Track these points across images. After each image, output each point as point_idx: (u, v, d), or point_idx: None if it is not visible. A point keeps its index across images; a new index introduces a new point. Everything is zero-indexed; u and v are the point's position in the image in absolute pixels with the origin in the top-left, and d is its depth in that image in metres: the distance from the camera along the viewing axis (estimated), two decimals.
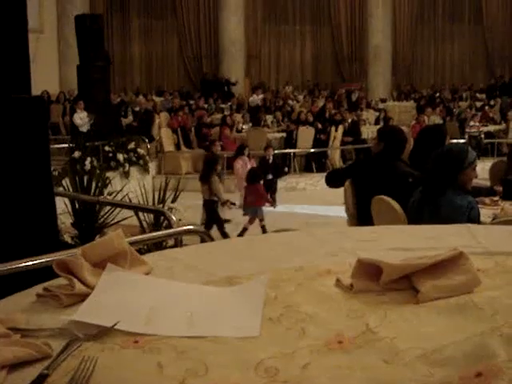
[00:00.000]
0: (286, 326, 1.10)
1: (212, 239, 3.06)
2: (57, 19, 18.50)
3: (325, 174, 12.28)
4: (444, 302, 1.17)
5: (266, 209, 9.39)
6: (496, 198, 4.61)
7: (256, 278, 1.32)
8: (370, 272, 1.29)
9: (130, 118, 15.60)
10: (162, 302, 1.20)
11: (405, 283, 1.28)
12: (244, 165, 10.93)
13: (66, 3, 18.37)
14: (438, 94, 21.57)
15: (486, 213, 4.09)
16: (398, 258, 1.37)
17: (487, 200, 4.51)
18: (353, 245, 1.67)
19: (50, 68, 17.51)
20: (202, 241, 2.97)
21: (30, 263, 2.44)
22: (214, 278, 1.39)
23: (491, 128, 16.82)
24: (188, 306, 1.18)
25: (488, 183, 5.80)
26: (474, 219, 3.56)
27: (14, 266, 2.40)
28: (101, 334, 1.08)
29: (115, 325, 1.09)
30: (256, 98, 18.77)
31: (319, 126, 14.08)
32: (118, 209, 5.24)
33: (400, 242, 1.70)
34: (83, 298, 1.25)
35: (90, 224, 5.25)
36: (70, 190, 5.82)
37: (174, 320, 1.13)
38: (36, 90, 4.75)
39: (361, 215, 4.46)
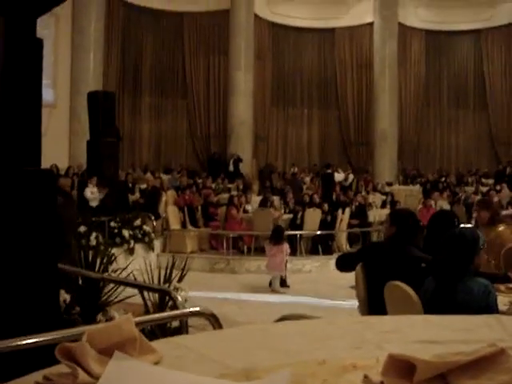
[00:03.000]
0: None
1: (218, 322, 2.94)
2: (70, 95, 18.86)
3: (331, 256, 12.25)
4: None
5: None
6: (511, 285, 4.48)
7: (276, 372, 1.20)
8: (401, 369, 1.17)
9: (137, 194, 15.64)
10: None
11: (440, 382, 1.16)
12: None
13: (79, 80, 18.76)
14: (443, 179, 21.67)
15: (501, 300, 3.96)
16: (427, 352, 1.26)
17: (502, 287, 4.38)
18: (376, 336, 1.56)
19: (60, 142, 17.72)
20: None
21: (30, 341, 2.34)
22: (229, 370, 1.27)
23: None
24: None
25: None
26: (493, 303, 3.44)
27: (13, 344, 2.29)
28: None
29: None
30: None
31: (327, 216, 14.04)
32: (121, 287, 5.12)
33: (426, 333, 1.59)
34: None
35: (92, 301, 5.12)
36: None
37: None
38: (46, 163, 4.74)
39: (372, 301, 4.32)
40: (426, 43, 24.92)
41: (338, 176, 19.58)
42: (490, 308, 3.35)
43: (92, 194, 13.01)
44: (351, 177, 20.69)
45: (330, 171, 19.08)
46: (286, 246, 10.42)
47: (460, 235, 3.65)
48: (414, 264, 4.20)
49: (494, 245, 5.41)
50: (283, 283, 10.44)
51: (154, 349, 1.34)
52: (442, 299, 3.42)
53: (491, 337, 1.49)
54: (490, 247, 4.76)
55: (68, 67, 19.00)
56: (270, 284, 10.32)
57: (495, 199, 17.75)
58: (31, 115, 3.71)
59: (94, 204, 12.91)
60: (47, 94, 16.24)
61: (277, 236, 10.31)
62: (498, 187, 19.68)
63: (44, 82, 4.03)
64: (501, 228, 5.68)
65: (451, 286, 3.45)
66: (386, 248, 4.49)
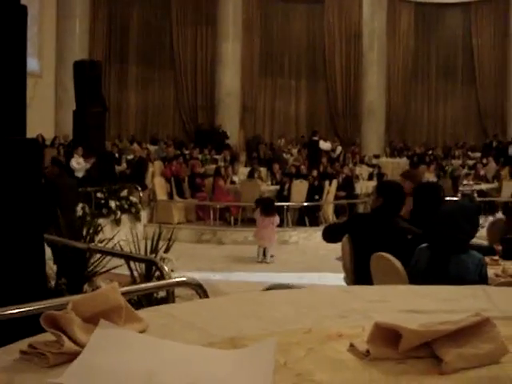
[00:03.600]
0: None
1: (205, 292, 2.94)
2: (55, 64, 18.63)
3: (318, 227, 12.27)
4: (472, 374, 1.06)
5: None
6: (496, 258, 4.51)
7: (263, 340, 1.20)
8: (387, 337, 1.18)
9: (124, 165, 15.55)
10: (160, 367, 1.08)
11: (425, 351, 1.17)
12: None
13: (65, 49, 18.52)
14: (430, 152, 21.71)
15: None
16: (413, 321, 1.27)
17: (487, 259, 4.41)
18: (363, 305, 1.56)
19: (46, 112, 17.53)
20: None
21: (16, 311, 2.33)
22: (215, 338, 1.27)
23: (483, 186, 16.87)
24: (190, 371, 1.06)
25: (485, 242, 5.71)
26: (486, 276, 3.46)
27: None
28: None
29: None
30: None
31: (315, 182, 14.03)
32: (108, 257, 5.11)
33: (412, 303, 1.60)
34: (72, 357, 1.13)
35: (79, 271, 5.10)
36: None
37: None
38: (31, 133, 4.69)
39: (359, 272, 4.34)
40: (415, 16, 24.76)
41: (324, 144, 19.47)
42: (482, 281, 3.36)
43: (78, 164, 12.92)
44: (339, 148, 20.66)
45: (316, 138, 19.02)
46: (276, 218, 10.46)
47: (464, 208, 3.60)
48: (401, 235, 4.21)
49: None
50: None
51: (140, 317, 1.34)
52: (436, 271, 3.41)
53: (476, 307, 1.50)
54: None
55: (53, 36, 18.74)
56: (259, 255, 10.36)
57: (482, 172, 17.87)
58: (15, 84, 3.65)
59: (79, 174, 12.83)
60: (32, 64, 16.02)
61: (268, 207, 10.35)
62: (484, 161, 19.76)
63: (29, 51, 3.97)
64: None
65: (447, 258, 3.43)
66: (372, 219, 4.50)
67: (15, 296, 3.12)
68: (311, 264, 9.99)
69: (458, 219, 3.45)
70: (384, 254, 3.86)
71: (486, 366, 1.10)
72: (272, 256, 10.39)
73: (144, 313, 1.43)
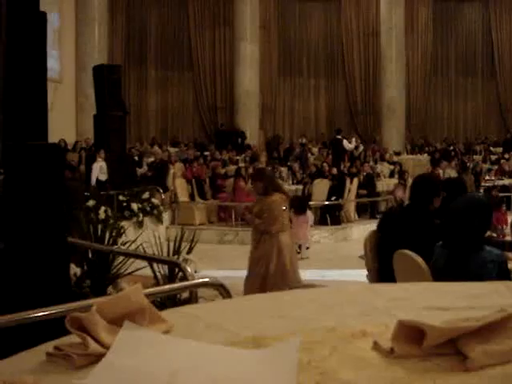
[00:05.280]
0: None
1: (228, 292, 2.95)
2: (75, 69, 18.77)
3: (339, 226, 12.32)
4: (498, 371, 1.05)
5: None
6: None
7: (286, 339, 1.20)
8: (411, 335, 1.17)
9: (145, 168, 15.62)
10: (183, 366, 1.08)
11: (450, 348, 1.16)
12: None
13: (84, 54, 18.66)
14: (452, 148, 21.53)
15: (509, 267, 3.95)
16: (436, 318, 1.26)
17: (510, 255, 4.36)
18: (385, 303, 1.56)
19: (67, 117, 17.68)
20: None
21: (41, 314, 2.35)
22: (238, 338, 1.28)
23: (506, 181, 16.70)
24: (213, 370, 1.07)
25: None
26: (507, 271, 3.40)
27: (23, 317, 2.30)
28: None
29: None
30: None
31: (334, 180, 14.00)
32: (131, 259, 5.14)
33: (435, 300, 1.59)
34: (97, 358, 1.14)
35: (102, 274, 5.14)
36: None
37: None
38: (53, 138, 4.74)
39: (383, 269, 4.29)
40: (433, 11, 24.59)
41: (348, 145, 19.30)
42: (503, 277, 3.29)
43: (101, 168, 13.01)
44: (361, 147, 20.55)
45: (339, 137, 18.88)
46: (309, 216, 10.56)
47: (477, 204, 3.51)
48: (429, 232, 4.11)
49: (266, 210, 5.97)
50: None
51: (164, 318, 1.35)
52: (453, 269, 3.35)
53: (500, 303, 1.48)
54: (263, 213, 5.92)
55: (73, 41, 18.89)
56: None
57: (506, 167, 17.68)
58: (37, 89, 3.69)
59: (102, 178, 12.92)
60: (52, 69, 16.17)
61: (299, 206, 10.43)
62: (506, 155, 19.55)
63: (49, 56, 4.01)
64: (274, 197, 6.01)
65: (464, 256, 3.36)
66: (400, 216, 4.42)
67: (40, 299, 3.15)
68: (334, 263, 9.96)
69: (466, 216, 3.35)
70: (407, 251, 3.82)
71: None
72: (308, 248, 10.41)
73: (167, 314, 1.44)
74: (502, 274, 3.31)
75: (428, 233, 4.00)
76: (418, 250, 3.79)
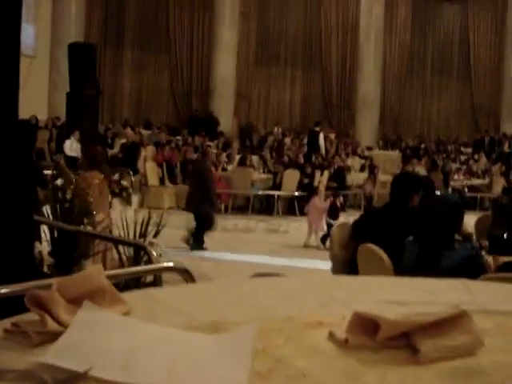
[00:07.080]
0: (276, 383, 1.01)
1: (192, 278, 2.95)
2: (50, 46, 18.51)
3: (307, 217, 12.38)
4: (448, 365, 1.08)
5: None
6: (483, 253, 4.55)
7: (243, 326, 1.22)
8: (366, 327, 1.20)
9: (116, 149, 15.52)
10: (140, 347, 1.09)
11: (403, 341, 1.19)
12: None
13: (60, 31, 18.41)
14: (423, 145, 21.76)
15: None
16: (392, 312, 1.29)
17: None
18: (345, 295, 1.58)
19: (40, 93, 17.44)
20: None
21: (3, 291, 2.33)
22: (197, 322, 1.29)
23: (474, 182, 16.96)
24: (169, 352, 1.08)
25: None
26: (482, 264, 3.46)
27: None
28: (72, 380, 0.98)
29: (88, 370, 0.99)
30: None
31: (309, 169, 14.07)
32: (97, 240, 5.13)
33: (394, 294, 1.62)
34: (55, 337, 1.14)
35: (68, 254, 5.12)
36: (51, 217, 5.69)
37: (153, 367, 1.03)
38: (25, 114, 4.68)
39: (351, 262, 4.31)
40: (413, 9, 24.74)
41: (322, 143, 19.31)
42: (479, 271, 3.32)
43: (71, 147, 12.88)
44: (334, 140, 20.60)
45: (318, 129, 18.92)
46: (318, 203, 10.43)
47: (449, 201, 3.57)
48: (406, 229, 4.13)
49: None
50: (324, 238, 10.10)
51: (124, 300, 1.35)
52: (426, 266, 3.39)
53: (455, 299, 1.52)
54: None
55: (49, 16, 18.61)
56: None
57: (474, 168, 17.94)
58: (9, 64, 3.64)
59: (74, 154, 12.78)
60: (27, 44, 15.91)
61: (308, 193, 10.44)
62: (475, 156, 19.84)
63: (23, 31, 3.96)
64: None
65: (435, 253, 3.41)
66: (380, 214, 4.44)
67: (3, 277, 3.12)
68: (299, 253, 10.02)
69: (439, 214, 3.43)
70: (370, 244, 3.87)
71: (462, 357, 1.13)
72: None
73: (129, 296, 1.45)
74: (474, 269, 3.34)
75: (404, 230, 4.04)
76: (392, 246, 3.81)
